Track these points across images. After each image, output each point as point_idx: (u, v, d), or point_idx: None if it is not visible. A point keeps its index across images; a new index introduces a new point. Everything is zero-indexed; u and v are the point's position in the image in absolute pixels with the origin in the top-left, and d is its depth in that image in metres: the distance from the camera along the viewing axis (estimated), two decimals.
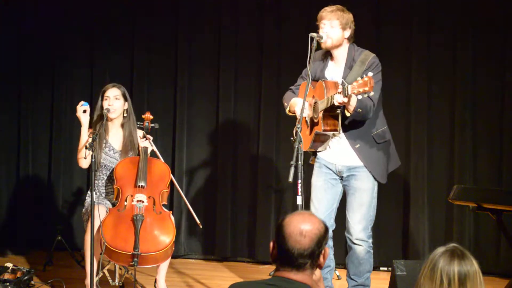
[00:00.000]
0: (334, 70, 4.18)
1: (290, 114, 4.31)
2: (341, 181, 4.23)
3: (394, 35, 5.70)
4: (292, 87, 4.40)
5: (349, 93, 3.71)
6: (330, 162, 4.22)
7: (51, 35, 6.16)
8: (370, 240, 4.21)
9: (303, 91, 4.02)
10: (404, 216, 5.69)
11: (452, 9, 5.58)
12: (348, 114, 3.95)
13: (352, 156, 4.14)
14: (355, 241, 4.17)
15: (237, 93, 6.00)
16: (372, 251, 4.24)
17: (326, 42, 4.09)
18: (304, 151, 3.87)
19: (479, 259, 2.34)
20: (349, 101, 3.84)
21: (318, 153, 4.27)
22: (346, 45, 4.15)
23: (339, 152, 4.18)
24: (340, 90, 3.79)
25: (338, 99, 3.80)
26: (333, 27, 4.08)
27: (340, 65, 4.16)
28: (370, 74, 3.67)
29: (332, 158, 4.21)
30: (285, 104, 4.34)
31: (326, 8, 4.15)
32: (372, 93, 3.68)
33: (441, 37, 5.62)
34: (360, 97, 3.73)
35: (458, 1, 5.57)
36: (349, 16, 4.13)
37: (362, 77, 3.68)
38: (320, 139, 4.12)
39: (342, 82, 3.84)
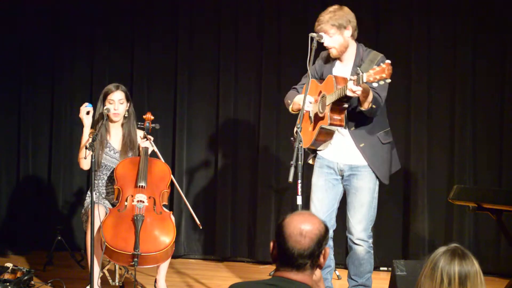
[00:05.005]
0: (342, 69, 4.14)
1: (294, 112, 4.26)
2: (341, 181, 4.21)
3: (393, 34, 5.69)
4: (296, 86, 4.36)
5: (365, 80, 3.65)
6: (331, 161, 4.19)
7: (51, 35, 6.17)
8: (370, 240, 4.20)
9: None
10: (404, 216, 5.69)
11: (452, 7, 5.58)
12: (363, 109, 3.91)
13: (356, 155, 4.12)
14: (356, 241, 4.16)
15: (237, 93, 6.00)
16: (372, 251, 4.22)
17: (333, 52, 4.08)
18: (304, 151, 3.86)
19: (479, 259, 2.34)
20: (366, 96, 3.81)
21: (319, 153, 4.25)
22: (353, 44, 4.11)
23: (342, 150, 4.15)
24: (354, 77, 3.73)
25: (350, 85, 3.71)
26: (332, 36, 4.03)
27: (348, 64, 4.13)
28: (388, 61, 3.63)
29: (334, 156, 4.19)
30: (289, 101, 4.29)
31: (319, 17, 4.04)
32: (389, 80, 3.63)
33: (441, 36, 5.61)
34: (375, 84, 3.68)
35: None
36: (343, 14, 4.02)
37: (379, 65, 3.65)
38: (324, 136, 4.09)
39: (357, 70, 3.78)
